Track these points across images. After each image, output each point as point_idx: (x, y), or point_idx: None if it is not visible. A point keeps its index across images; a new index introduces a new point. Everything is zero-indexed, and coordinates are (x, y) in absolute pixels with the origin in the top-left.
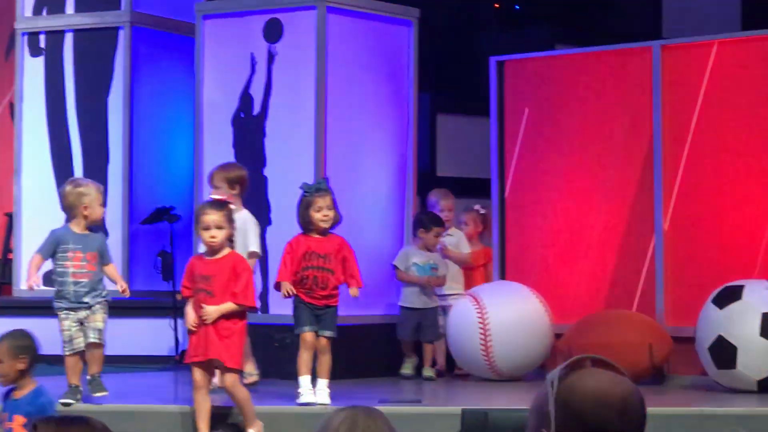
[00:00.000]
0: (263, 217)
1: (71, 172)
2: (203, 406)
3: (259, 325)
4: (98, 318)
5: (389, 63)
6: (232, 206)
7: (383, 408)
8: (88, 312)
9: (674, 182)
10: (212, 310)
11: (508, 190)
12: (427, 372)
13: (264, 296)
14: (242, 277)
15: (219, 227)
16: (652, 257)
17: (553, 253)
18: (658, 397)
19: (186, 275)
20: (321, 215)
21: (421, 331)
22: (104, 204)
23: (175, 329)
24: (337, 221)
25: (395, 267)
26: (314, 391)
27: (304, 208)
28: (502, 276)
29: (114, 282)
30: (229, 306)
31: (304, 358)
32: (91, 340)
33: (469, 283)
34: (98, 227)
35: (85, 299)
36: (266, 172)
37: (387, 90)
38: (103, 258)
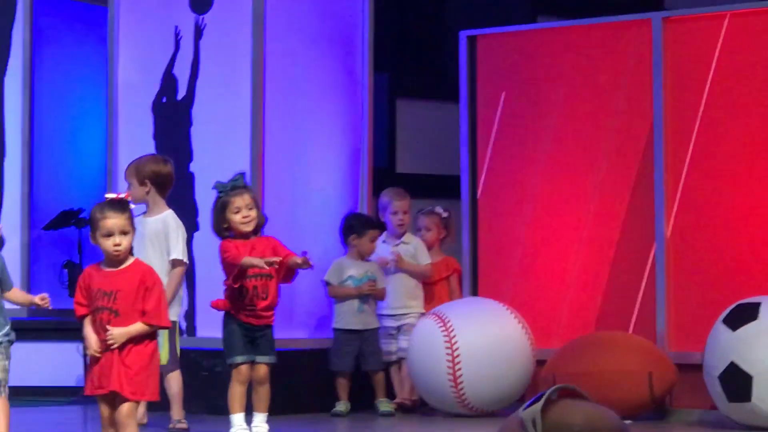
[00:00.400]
0: (190, 221)
1: None
2: None
3: (184, 349)
4: None
5: (340, 38)
6: (132, 206)
7: None
8: None
9: (678, 181)
10: (119, 333)
11: (480, 190)
12: (384, 406)
13: (190, 316)
14: (153, 291)
15: (123, 232)
16: (652, 269)
17: (534, 264)
18: None
19: (80, 290)
20: (240, 217)
21: (364, 359)
22: None
23: (84, 355)
24: (261, 223)
25: (327, 283)
26: (250, 429)
27: (219, 210)
28: (474, 292)
29: (24, 305)
30: (138, 327)
31: (238, 393)
32: None
33: (429, 300)
34: None
35: None
36: (193, 167)
37: (337, 70)
38: (2, 284)
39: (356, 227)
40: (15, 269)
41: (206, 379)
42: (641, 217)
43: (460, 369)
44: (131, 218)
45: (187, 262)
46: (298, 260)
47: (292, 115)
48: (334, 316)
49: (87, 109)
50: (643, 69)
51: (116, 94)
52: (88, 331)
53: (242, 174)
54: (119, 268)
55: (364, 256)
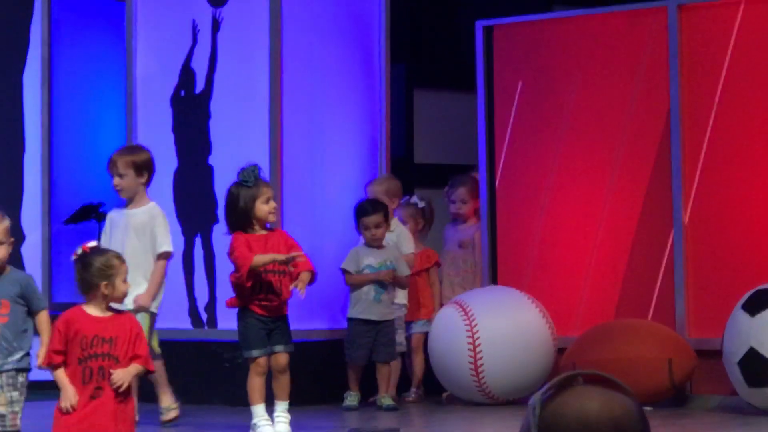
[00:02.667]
0: (209, 213)
1: None
2: None
3: (205, 342)
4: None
5: (356, 29)
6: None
7: None
8: None
9: (696, 167)
10: (125, 374)
11: (498, 179)
12: (386, 401)
13: (211, 308)
14: (141, 337)
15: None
16: (671, 256)
17: (553, 252)
18: (679, 422)
19: (60, 335)
20: (270, 207)
21: (376, 350)
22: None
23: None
24: None
25: (344, 271)
26: (272, 419)
27: (249, 199)
28: (494, 280)
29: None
30: (137, 369)
31: (257, 384)
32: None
33: (410, 293)
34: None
35: None
36: (212, 160)
37: (354, 60)
38: (31, 305)
39: (356, 216)
40: (36, 264)
41: (227, 371)
42: (659, 204)
43: (481, 357)
44: None
45: (172, 251)
46: (297, 284)
47: (310, 107)
48: (349, 306)
49: (106, 103)
50: (659, 57)
51: (135, 88)
52: (66, 382)
53: (256, 165)
54: (110, 314)
55: (371, 244)
